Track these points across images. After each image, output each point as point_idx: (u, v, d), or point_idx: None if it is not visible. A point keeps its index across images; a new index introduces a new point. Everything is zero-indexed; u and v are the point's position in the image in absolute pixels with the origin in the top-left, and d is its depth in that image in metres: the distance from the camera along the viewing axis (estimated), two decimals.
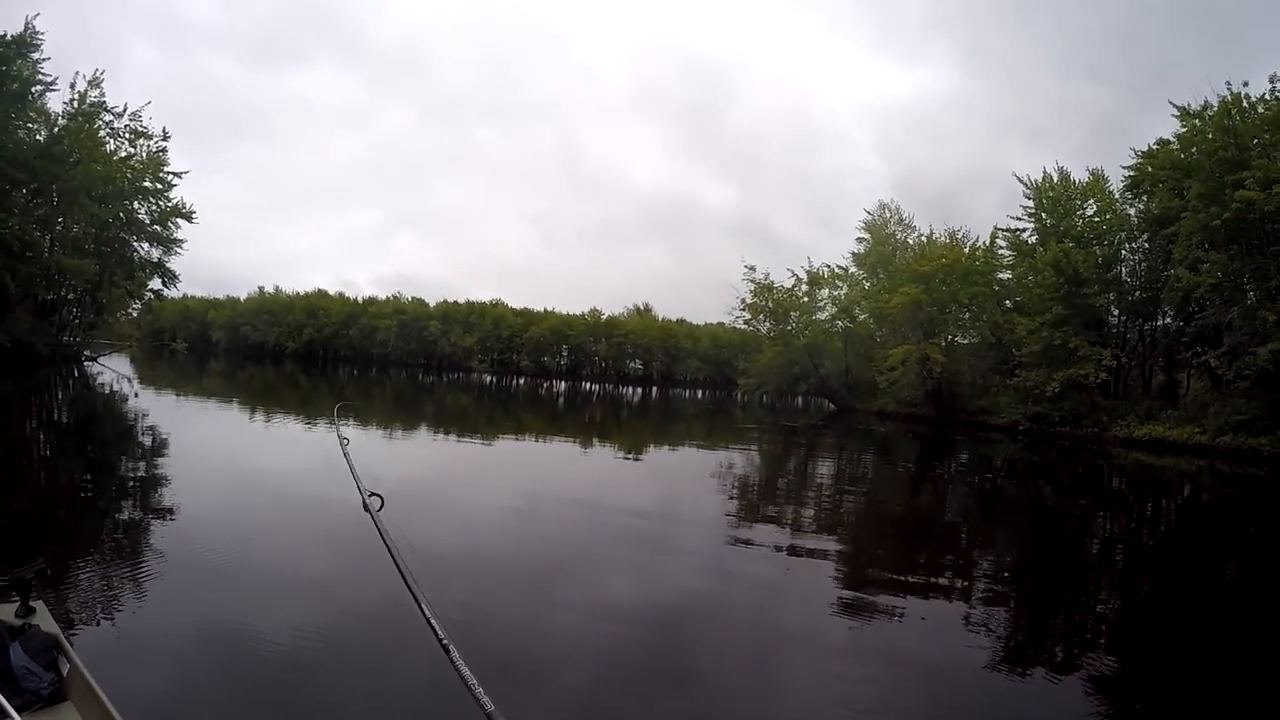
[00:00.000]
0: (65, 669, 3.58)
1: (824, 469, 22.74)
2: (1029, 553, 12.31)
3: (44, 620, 3.93)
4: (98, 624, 5.67)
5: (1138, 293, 41.60)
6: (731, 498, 15.32)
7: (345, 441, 5.75)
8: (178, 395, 33.71)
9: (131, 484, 12.33)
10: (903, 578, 9.49)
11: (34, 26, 36.34)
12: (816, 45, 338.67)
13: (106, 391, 32.10)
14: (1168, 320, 41.18)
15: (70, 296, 50.54)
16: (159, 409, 26.27)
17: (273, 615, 6.23)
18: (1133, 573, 11.28)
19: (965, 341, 50.72)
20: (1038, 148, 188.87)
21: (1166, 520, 17.53)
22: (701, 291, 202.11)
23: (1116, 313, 43.46)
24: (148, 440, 17.88)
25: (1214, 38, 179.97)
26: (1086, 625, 8.19)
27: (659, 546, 10.47)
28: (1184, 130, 36.67)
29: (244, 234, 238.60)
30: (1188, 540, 14.62)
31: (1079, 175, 44.72)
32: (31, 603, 4.01)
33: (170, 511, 9.93)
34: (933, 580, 9.47)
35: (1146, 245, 41.17)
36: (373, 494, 4.17)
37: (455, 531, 10.34)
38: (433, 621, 2.70)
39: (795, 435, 35.83)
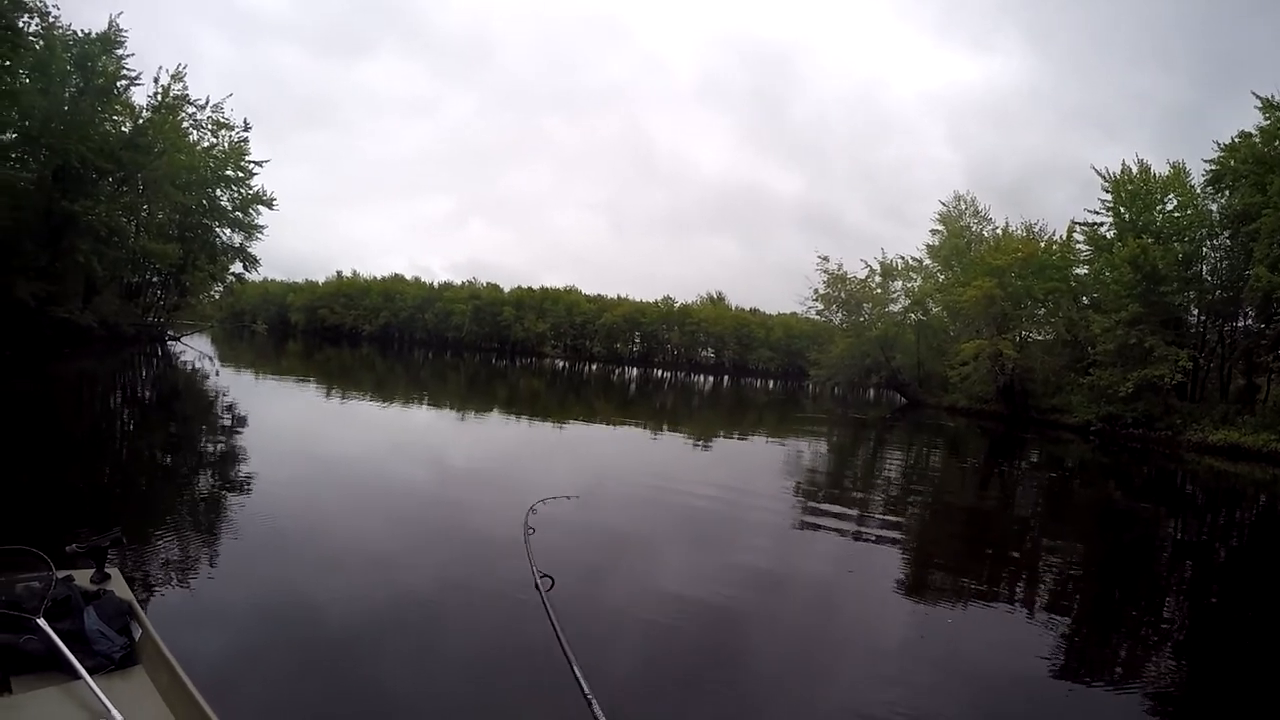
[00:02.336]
0: (137, 634, 3.73)
1: (892, 463, 22.55)
2: (1094, 558, 12.07)
3: (118, 586, 4.12)
4: (170, 592, 5.95)
5: (1218, 291, 40.14)
6: (797, 489, 15.23)
7: (530, 532, 5.42)
8: (257, 374, 34.46)
9: (209, 458, 12.79)
10: (962, 579, 9.41)
11: (118, 24, 37.78)
12: (882, 32, 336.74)
13: (188, 370, 32.99)
14: (1249, 321, 39.96)
15: (155, 279, 52.54)
16: (239, 387, 27.02)
17: (341, 592, 6.44)
18: (1201, 585, 11.03)
19: (1039, 338, 49.63)
20: (1111, 138, 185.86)
21: (1239, 530, 17.05)
22: (771, 281, 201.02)
23: (1196, 312, 41.93)
24: (227, 417, 18.44)
25: None
26: (1151, 639, 7.96)
27: (720, 535, 10.57)
28: (1267, 122, 35.46)
29: (318, 221, 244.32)
30: (1259, 553, 14.21)
31: (1159, 167, 43.13)
32: (107, 569, 4.23)
33: (246, 485, 10.30)
34: (993, 583, 9.35)
35: (1228, 242, 39.66)
36: (544, 575, 4.23)
37: (513, 513, 10.58)
38: (580, 678, 2.86)
39: (865, 428, 35.62)
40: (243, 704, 4.43)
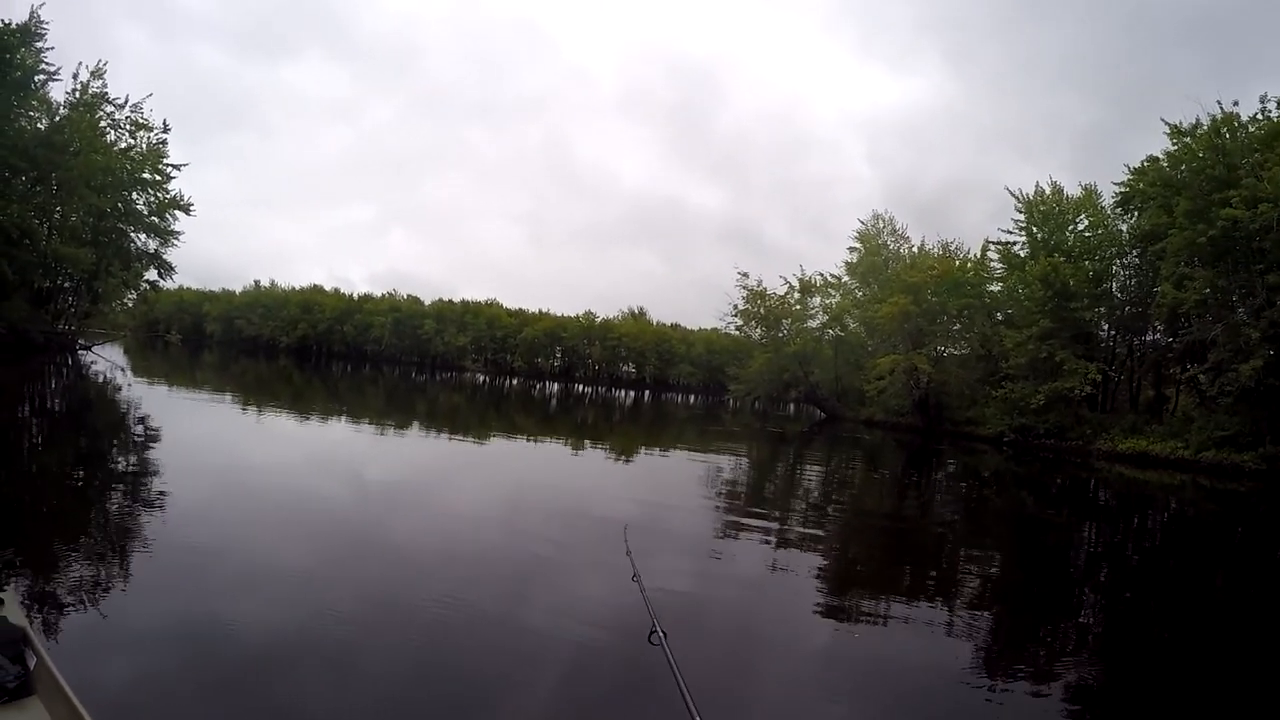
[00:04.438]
0: (32, 662, 3.58)
1: (809, 475, 22.85)
2: (1010, 563, 12.37)
3: (12, 611, 3.96)
4: (72, 617, 5.68)
5: (1128, 308, 41.93)
6: (716, 502, 15.38)
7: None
8: (171, 387, 33.66)
9: (119, 474, 12.39)
10: (882, 587, 9.54)
11: (39, 16, 36.65)
12: (805, 50, 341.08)
13: (100, 381, 32.08)
14: (1157, 335, 41.49)
15: (66, 285, 50.62)
16: (152, 400, 26.40)
17: (251, 613, 6.25)
18: (1114, 585, 11.40)
19: (954, 352, 50.72)
20: (1026, 159, 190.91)
21: (1148, 534, 17.65)
22: (693, 296, 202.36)
23: (1106, 327, 43.78)
24: (139, 431, 17.93)
25: (1208, 54, 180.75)
26: (1068, 637, 8.26)
27: (640, 550, 10.59)
28: (1175, 148, 37.04)
29: (236, 226, 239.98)
30: (1168, 554, 14.77)
31: (1071, 189, 45.12)
32: None
33: (156, 503, 9.96)
34: (912, 590, 9.52)
35: (1137, 261, 41.47)
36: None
37: (434, 528, 10.52)
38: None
39: (784, 442, 36.01)
40: None
